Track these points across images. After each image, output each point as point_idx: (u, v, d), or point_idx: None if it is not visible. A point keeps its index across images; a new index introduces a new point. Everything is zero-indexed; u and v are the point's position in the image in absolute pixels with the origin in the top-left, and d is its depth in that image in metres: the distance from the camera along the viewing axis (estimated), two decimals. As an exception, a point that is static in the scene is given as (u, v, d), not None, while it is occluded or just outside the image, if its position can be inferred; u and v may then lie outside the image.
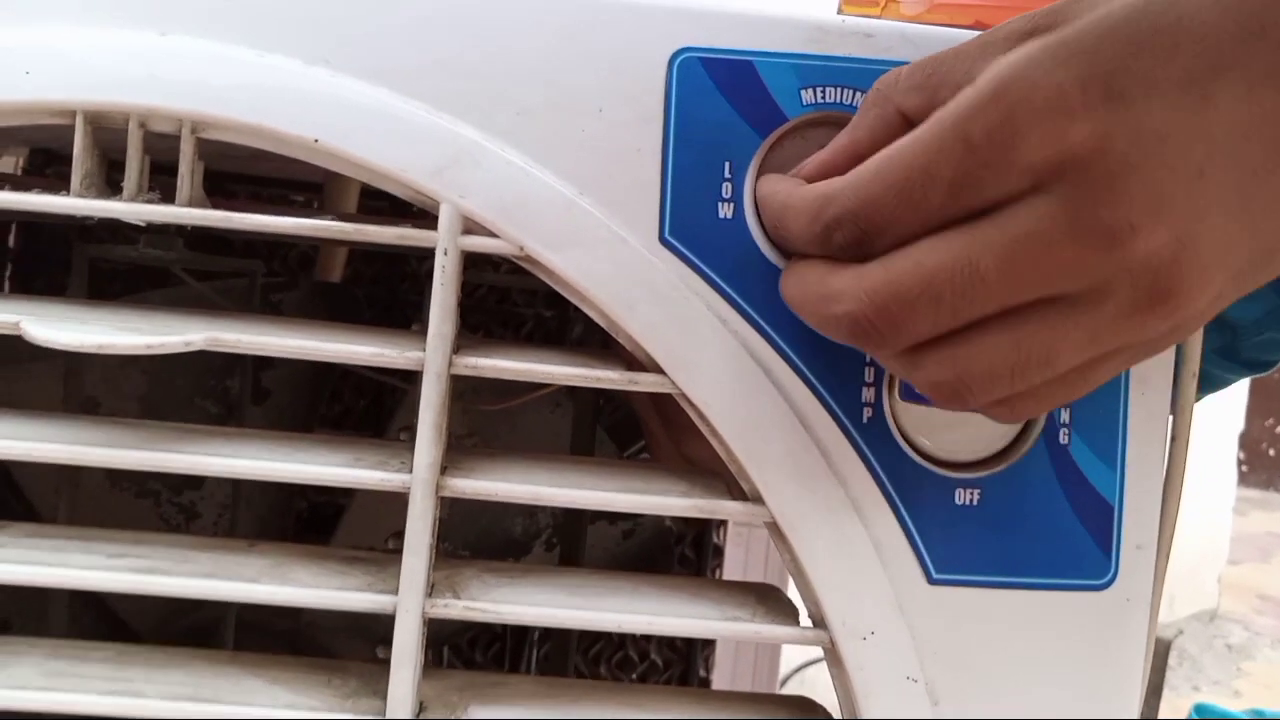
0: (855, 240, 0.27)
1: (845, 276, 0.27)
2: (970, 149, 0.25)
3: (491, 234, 0.31)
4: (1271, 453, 5.17)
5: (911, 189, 0.26)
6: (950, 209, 0.26)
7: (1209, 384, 0.54)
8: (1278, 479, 5.14)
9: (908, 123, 0.28)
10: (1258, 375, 0.53)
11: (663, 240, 0.31)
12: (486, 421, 0.50)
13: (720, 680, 0.75)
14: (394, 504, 0.31)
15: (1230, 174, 0.25)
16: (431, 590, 0.30)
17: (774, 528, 0.31)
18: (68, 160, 0.31)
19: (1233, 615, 3.04)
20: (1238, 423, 3.41)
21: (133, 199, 0.31)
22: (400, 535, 0.31)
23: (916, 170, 0.25)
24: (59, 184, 0.32)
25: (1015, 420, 0.28)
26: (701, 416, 0.31)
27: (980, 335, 0.26)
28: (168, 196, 0.31)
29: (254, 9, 0.31)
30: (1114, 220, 0.24)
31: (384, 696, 0.30)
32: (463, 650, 0.68)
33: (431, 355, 0.30)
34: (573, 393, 0.50)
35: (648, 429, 0.43)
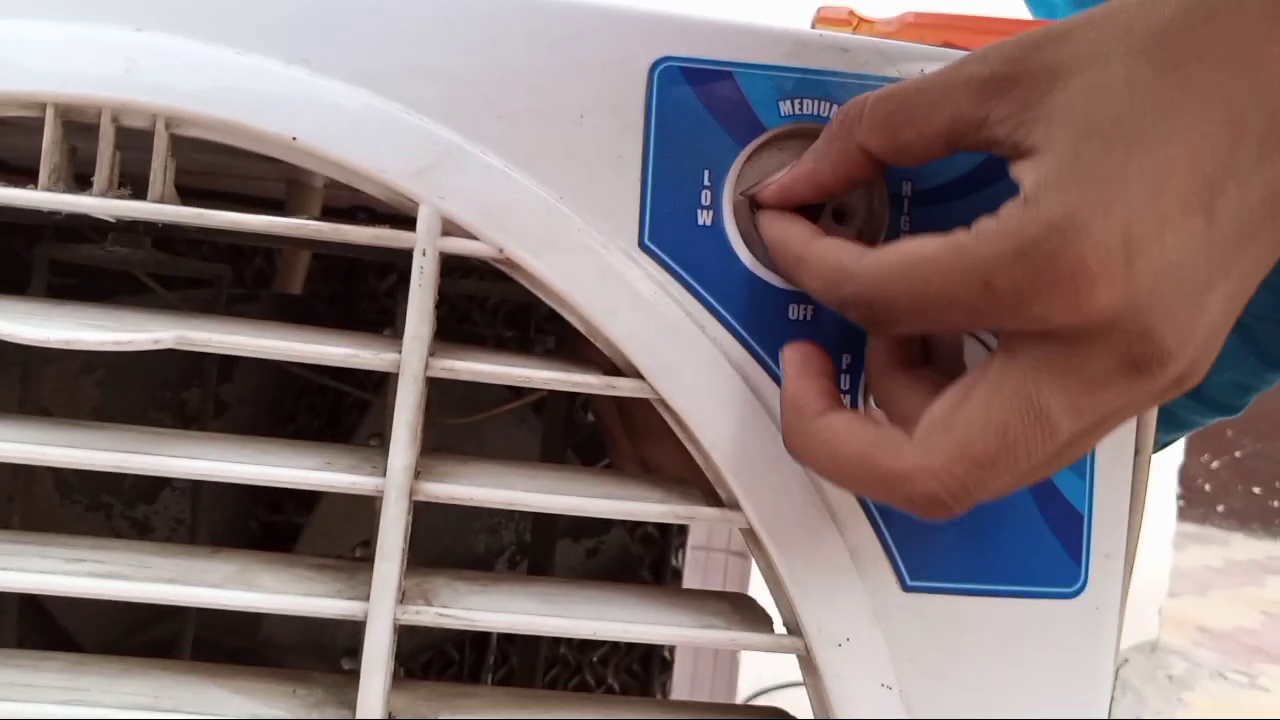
0: (868, 321, 0.28)
1: (911, 448, 0.26)
2: (991, 293, 0.25)
3: (471, 236, 0.30)
4: (1208, 488, 5.29)
5: (929, 307, 0.26)
6: (970, 325, 0.28)
7: (1176, 425, 0.55)
8: (1214, 514, 5.26)
9: (870, 159, 0.29)
10: (1227, 417, 0.54)
11: (642, 246, 0.31)
12: (451, 438, 0.49)
13: (678, 706, 0.75)
14: (354, 522, 0.31)
15: (1228, 284, 0.25)
16: (402, 597, 0.30)
17: (750, 534, 0.31)
18: (13, 170, 0.30)
19: (1173, 647, 3.09)
20: (1176, 458, 3.49)
21: (103, 195, 0.30)
22: (367, 544, 0.30)
23: (936, 291, 0.26)
24: (24, 179, 0.31)
25: None
26: (680, 422, 0.31)
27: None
28: (137, 195, 0.31)
29: (232, 8, 0.30)
30: (1152, 354, 0.25)
31: (351, 706, 0.29)
32: (417, 674, 0.67)
33: (408, 357, 0.30)
34: (539, 409, 0.50)
35: (609, 432, 0.43)
